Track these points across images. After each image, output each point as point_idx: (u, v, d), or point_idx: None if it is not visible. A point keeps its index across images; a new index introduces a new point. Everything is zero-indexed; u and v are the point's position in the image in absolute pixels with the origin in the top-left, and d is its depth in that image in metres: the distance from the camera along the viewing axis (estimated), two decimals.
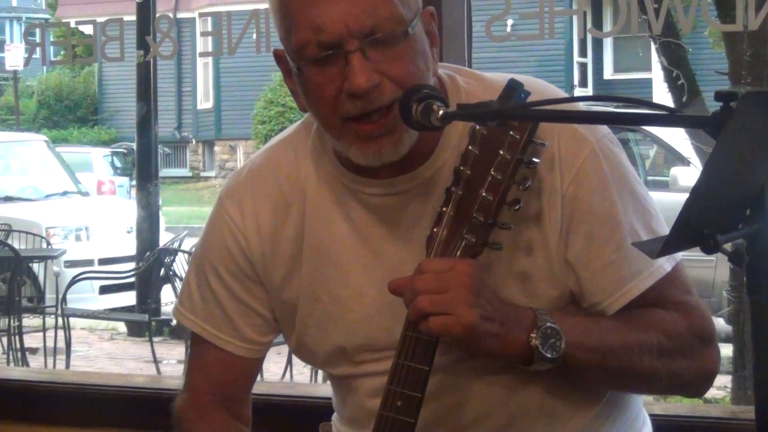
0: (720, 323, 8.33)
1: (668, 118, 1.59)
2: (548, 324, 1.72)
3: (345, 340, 1.94)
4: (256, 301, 2.02)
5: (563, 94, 1.97)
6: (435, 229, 1.72)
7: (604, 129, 1.87)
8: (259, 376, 2.25)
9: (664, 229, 1.85)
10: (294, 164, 1.96)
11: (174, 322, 9.07)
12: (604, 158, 1.84)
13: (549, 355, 1.71)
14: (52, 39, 4.47)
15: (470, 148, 1.70)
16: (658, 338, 1.80)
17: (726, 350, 7.52)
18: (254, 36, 3.81)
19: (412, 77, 1.75)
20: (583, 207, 1.82)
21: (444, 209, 1.72)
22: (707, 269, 7.79)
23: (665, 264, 1.85)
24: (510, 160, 1.68)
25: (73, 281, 8.53)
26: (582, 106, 1.84)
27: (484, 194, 1.69)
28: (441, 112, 1.66)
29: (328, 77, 1.75)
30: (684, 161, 8.50)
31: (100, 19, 4.08)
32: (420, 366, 1.71)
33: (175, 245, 8.81)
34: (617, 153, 1.87)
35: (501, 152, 1.68)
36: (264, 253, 1.97)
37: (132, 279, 9.40)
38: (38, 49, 4.17)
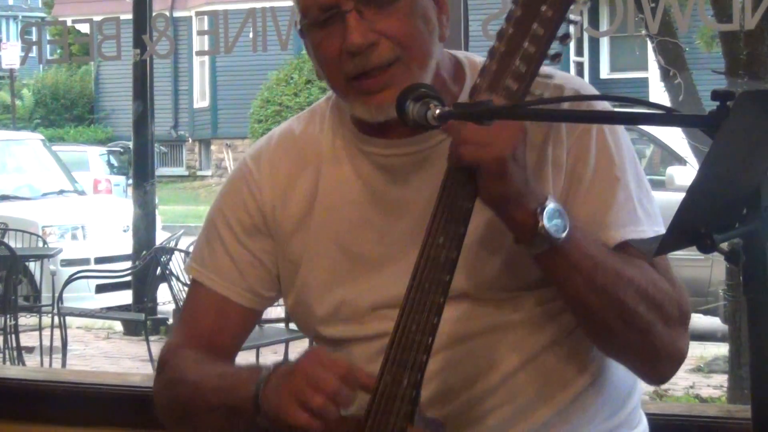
0: (716, 322, 8.34)
1: (665, 118, 1.59)
2: (560, 207, 1.72)
3: (351, 297, 1.95)
4: (264, 254, 2.04)
5: (594, 91, 2.00)
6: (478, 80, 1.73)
7: (605, 104, 1.94)
8: None
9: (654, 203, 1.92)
10: (313, 130, 2.02)
11: (170, 321, 9.08)
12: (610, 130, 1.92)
13: (552, 233, 1.70)
14: (48, 37, 4.46)
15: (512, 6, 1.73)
16: (647, 284, 1.80)
17: (722, 349, 7.54)
18: (251, 35, 3.81)
19: (410, 37, 1.83)
20: (590, 144, 1.88)
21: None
22: (703, 268, 7.79)
23: (657, 229, 1.87)
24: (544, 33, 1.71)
25: (70, 280, 8.52)
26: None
27: (526, 45, 1.70)
28: (438, 111, 1.68)
29: (330, 38, 1.84)
30: (681, 160, 8.50)
31: (97, 18, 4.08)
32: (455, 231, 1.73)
33: (172, 244, 8.80)
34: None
35: (533, 26, 1.70)
36: (275, 206, 2.01)
37: (128, 278, 9.40)
38: (34, 47, 4.18)
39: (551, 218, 1.71)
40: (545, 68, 1.86)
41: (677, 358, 1.88)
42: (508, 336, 1.89)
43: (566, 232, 1.72)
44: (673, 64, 5.46)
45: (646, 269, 1.83)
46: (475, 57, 1.98)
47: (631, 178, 1.90)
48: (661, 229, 1.88)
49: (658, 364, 1.89)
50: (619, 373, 1.96)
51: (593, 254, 1.77)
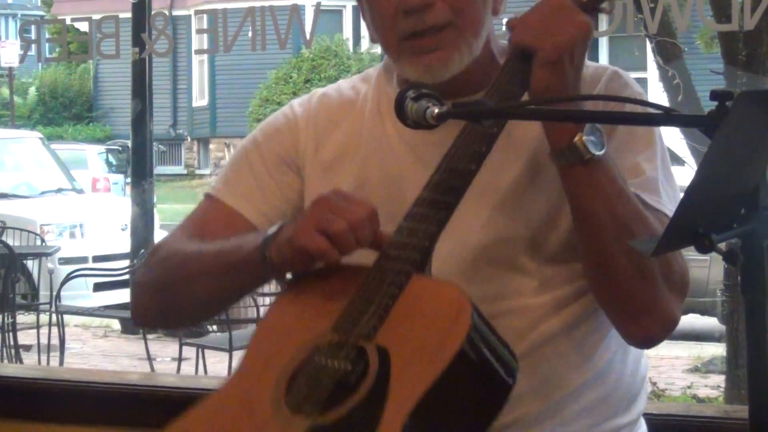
0: (713, 322, 8.35)
1: (663, 118, 1.59)
2: (599, 126, 1.74)
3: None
4: (289, 189, 2.03)
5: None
6: None
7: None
8: None
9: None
10: (360, 87, 2.04)
11: None
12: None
13: (588, 145, 1.71)
14: (47, 36, 4.46)
15: None
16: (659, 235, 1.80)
17: (720, 350, 7.54)
18: (250, 34, 3.81)
19: (465, 2, 1.85)
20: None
21: None
22: (701, 268, 7.80)
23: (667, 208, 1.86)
24: None
25: (68, 278, 8.52)
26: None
27: None
28: (437, 111, 1.69)
29: None
30: (679, 161, 8.50)
31: (96, 16, 4.08)
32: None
33: None
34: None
35: None
36: (308, 145, 2.01)
37: (126, 276, 9.39)
38: (33, 45, 4.17)
39: (590, 132, 1.72)
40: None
41: (669, 321, 1.84)
42: (514, 321, 1.87)
43: (602, 151, 1.72)
44: (672, 64, 5.46)
45: (663, 224, 1.81)
46: None
47: (659, 156, 1.91)
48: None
49: (649, 320, 1.84)
50: (625, 378, 1.95)
51: (619, 182, 1.77)
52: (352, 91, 2.04)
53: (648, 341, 1.89)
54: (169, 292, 2.00)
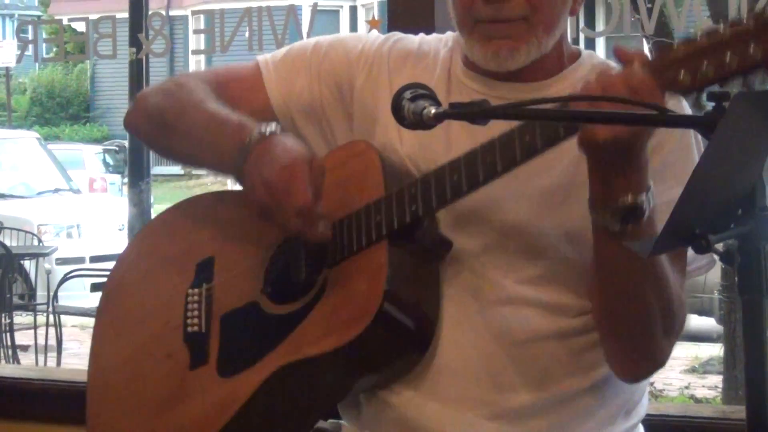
0: (711, 323, 8.35)
1: (661, 118, 1.59)
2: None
3: None
4: (324, 103, 2.06)
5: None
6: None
7: None
8: None
9: None
10: (438, 45, 2.05)
11: None
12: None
13: (643, 207, 1.67)
14: (44, 36, 4.45)
15: None
16: (675, 294, 1.80)
17: (717, 350, 7.54)
18: (246, 34, 3.81)
19: (544, 1, 1.86)
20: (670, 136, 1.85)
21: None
22: None
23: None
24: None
25: (65, 279, 8.51)
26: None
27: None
28: (433, 111, 1.70)
29: None
30: None
31: (93, 16, 4.07)
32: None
33: None
34: None
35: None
36: (365, 85, 2.03)
37: None
38: (30, 46, 4.16)
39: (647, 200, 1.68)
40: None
41: (659, 365, 1.88)
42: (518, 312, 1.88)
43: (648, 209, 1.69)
44: None
45: (679, 276, 1.83)
46: (596, 55, 2.00)
47: None
48: None
49: (644, 366, 1.89)
50: (624, 390, 1.94)
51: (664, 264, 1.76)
52: (431, 46, 2.06)
53: (636, 380, 1.93)
54: (157, 127, 2.11)
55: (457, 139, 1.91)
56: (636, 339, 1.83)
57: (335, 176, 1.93)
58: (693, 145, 1.89)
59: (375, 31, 2.12)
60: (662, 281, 1.78)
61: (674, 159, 1.85)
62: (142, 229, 2.44)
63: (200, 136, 2.02)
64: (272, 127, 1.92)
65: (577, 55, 1.99)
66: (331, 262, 1.93)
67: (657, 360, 1.87)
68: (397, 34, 2.10)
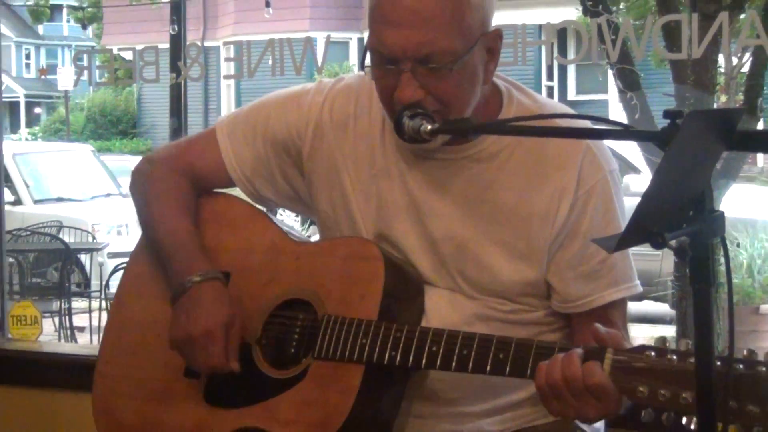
0: (665, 308, 8.33)
1: (623, 133, 1.59)
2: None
3: (360, 221, 1.93)
4: (277, 168, 2.01)
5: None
6: None
7: (615, 164, 1.88)
8: None
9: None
10: (371, 104, 1.94)
11: None
12: (614, 186, 1.85)
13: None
14: (97, 63, 4.45)
15: None
16: None
17: (670, 331, 7.52)
18: (270, 62, 3.81)
19: (454, 98, 1.76)
20: (587, 219, 1.82)
21: None
22: (654, 261, 7.78)
23: (638, 285, 1.85)
24: None
25: (115, 270, 8.47)
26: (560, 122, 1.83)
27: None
28: (429, 127, 1.70)
29: (386, 78, 1.79)
30: (636, 170, 8.51)
31: (139, 47, 4.07)
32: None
33: None
34: (620, 188, 1.88)
35: None
36: (312, 155, 1.97)
37: None
38: (86, 72, 4.16)
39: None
40: (533, 94, 1.87)
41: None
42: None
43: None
44: (630, 87, 5.45)
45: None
46: (514, 89, 1.90)
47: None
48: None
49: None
50: None
51: None
52: (363, 105, 1.95)
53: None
54: (139, 211, 2.17)
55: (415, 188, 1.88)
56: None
57: (340, 266, 1.85)
58: (616, 209, 1.85)
59: (314, 88, 2.01)
60: None
61: (596, 226, 1.83)
62: None
63: (157, 249, 2.04)
64: (210, 274, 1.88)
65: (499, 102, 1.88)
66: (317, 355, 1.83)
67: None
68: (335, 88, 1.98)
